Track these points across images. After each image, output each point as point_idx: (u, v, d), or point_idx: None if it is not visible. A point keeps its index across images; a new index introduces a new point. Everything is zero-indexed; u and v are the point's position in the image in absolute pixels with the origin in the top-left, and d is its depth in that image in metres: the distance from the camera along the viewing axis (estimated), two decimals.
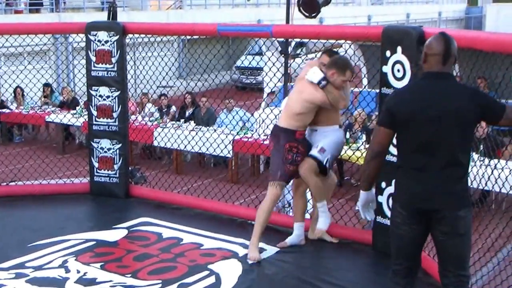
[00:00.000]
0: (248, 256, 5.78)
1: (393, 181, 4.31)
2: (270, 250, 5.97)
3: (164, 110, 13.80)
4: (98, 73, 7.42)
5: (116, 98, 7.42)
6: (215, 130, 11.33)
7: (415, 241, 4.09)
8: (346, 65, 5.77)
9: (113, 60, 7.36)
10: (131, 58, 8.33)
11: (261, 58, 10.62)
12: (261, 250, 5.90)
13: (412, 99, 3.98)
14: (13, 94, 15.12)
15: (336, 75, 5.68)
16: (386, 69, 5.61)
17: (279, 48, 8.03)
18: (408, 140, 4.00)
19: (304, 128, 5.85)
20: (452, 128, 3.88)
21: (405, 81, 5.43)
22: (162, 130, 11.20)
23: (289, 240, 6.11)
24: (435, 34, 4.05)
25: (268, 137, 6.29)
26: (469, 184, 4.36)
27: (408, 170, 4.03)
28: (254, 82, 21.14)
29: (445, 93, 3.91)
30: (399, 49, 5.47)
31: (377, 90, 5.91)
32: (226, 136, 11.00)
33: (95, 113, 7.52)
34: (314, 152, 5.81)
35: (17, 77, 8.68)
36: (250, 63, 17.69)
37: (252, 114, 12.36)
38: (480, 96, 3.99)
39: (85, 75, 7.60)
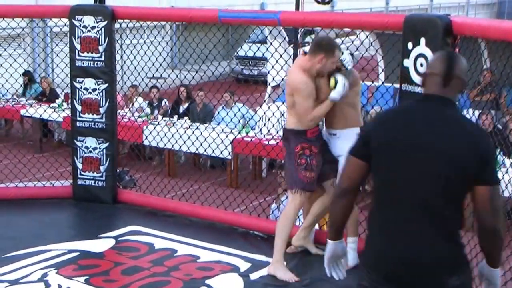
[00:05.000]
0: (282, 278, 5.72)
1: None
2: None
3: (155, 105, 13.87)
4: (83, 63, 7.47)
5: (103, 91, 7.47)
6: (214, 129, 11.38)
7: None
8: (332, 43, 5.79)
9: (101, 48, 7.41)
10: (120, 46, 8.37)
11: (267, 49, 10.67)
12: (266, 263, 5.96)
13: (395, 125, 3.53)
14: None
15: (325, 59, 5.69)
16: (408, 63, 5.66)
17: (286, 37, 8.12)
18: (382, 180, 3.55)
19: (316, 125, 5.89)
20: (439, 172, 3.38)
21: None
22: (154, 127, 11.26)
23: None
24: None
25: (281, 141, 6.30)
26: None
27: (380, 220, 3.57)
28: (256, 73, 21.19)
29: (439, 125, 3.43)
30: (422, 40, 5.52)
31: (396, 85, 5.97)
32: (227, 136, 11.07)
33: (79, 108, 7.56)
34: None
35: None
36: (254, 53, 17.67)
37: (255, 111, 12.42)
38: (485, 145, 3.44)
39: (65, 64, 7.64)
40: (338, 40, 6.33)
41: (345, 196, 3.62)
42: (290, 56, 7.51)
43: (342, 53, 5.81)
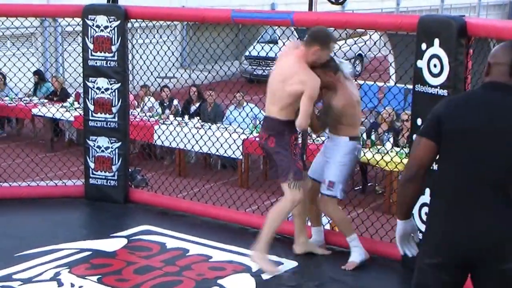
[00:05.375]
0: (264, 269, 5.83)
1: (427, 191, 4.13)
2: (288, 263, 6.05)
3: (166, 104, 13.90)
4: (96, 63, 7.50)
5: (116, 91, 7.50)
6: (226, 129, 11.40)
7: None
8: (328, 36, 5.80)
9: (113, 48, 7.44)
10: (133, 46, 8.39)
11: (279, 49, 10.63)
12: (278, 264, 5.98)
13: (467, 109, 3.65)
14: None
15: (320, 51, 5.72)
16: (421, 63, 5.66)
17: (299, 37, 8.10)
18: (452, 162, 3.65)
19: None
20: (508, 153, 3.55)
21: (442, 78, 5.48)
22: (167, 127, 11.27)
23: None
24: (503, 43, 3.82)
25: (260, 133, 6.13)
26: None
27: (447, 203, 3.67)
28: (266, 73, 21.19)
29: (508, 110, 3.59)
30: (436, 41, 5.52)
31: (409, 86, 5.97)
32: (239, 136, 11.08)
33: (91, 107, 7.59)
34: (323, 190, 5.96)
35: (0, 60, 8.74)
36: (267, 53, 17.67)
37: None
38: None
39: (77, 63, 7.66)
40: (350, 41, 6.35)
41: (416, 179, 3.70)
42: None
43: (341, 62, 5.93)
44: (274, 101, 5.85)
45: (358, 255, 6.00)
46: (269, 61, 20.93)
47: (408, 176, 3.72)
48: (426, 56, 5.60)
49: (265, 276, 5.80)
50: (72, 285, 5.61)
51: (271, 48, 8.21)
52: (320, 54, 5.73)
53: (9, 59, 8.58)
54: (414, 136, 3.77)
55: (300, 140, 6.04)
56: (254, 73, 21.71)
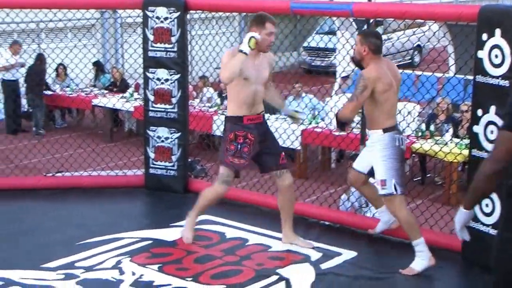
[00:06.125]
0: (181, 235, 6.32)
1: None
2: (347, 254, 6.06)
3: (224, 95, 13.95)
4: (156, 54, 7.58)
5: (176, 81, 7.57)
6: (284, 119, 11.40)
7: None
8: (263, 16, 5.94)
9: (173, 39, 7.51)
10: (192, 37, 8.46)
11: (338, 39, 10.64)
12: (337, 254, 6.00)
13: None
14: (55, 72, 15.51)
15: (258, 31, 5.81)
16: (482, 54, 5.60)
17: (357, 28, 8.08)
18: None
19: (252, 111, 5.97)
20: None
21: (503, 69, 5.42)
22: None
23: (378, 228, 6.28)
24: None
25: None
26: None
27: None
28: (323, 64, 21.15)
29: None
30: (497, 32, 5.46)
31: (469, 77, 5.93)
32: (298, 126, 11.08)
33: (151, 98, 7.68)
34: (379, 190, 5.80)
35: (61, 51, 8.89)
36: (326, 44, 17.62)
37: (325, 102, 12.41)
38: None
39: (138, 54, 7.74)
40: (409, 31, 6.32)
41: (500, 172, 3.59)
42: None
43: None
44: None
45: (421, 262, 5.72)
46: (328, 52, 20.89)
47: (496, 170, 3.59)
48: (487, 46, 5.54)
49: (324, 266, 5.82)
50: (133, 273, 5.69)
51: (329, 39, 8.21)
52: (259, 34, 5.83)
53: (71, 51, 8.73)
54: (497, 130, 3.60)
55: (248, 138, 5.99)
56: (312, 64, 21.67)
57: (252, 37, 5.74)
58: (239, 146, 5.95)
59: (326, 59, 21.30)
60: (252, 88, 5.92)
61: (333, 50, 18.24)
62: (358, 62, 5.79)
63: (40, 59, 14.57)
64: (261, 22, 5.86)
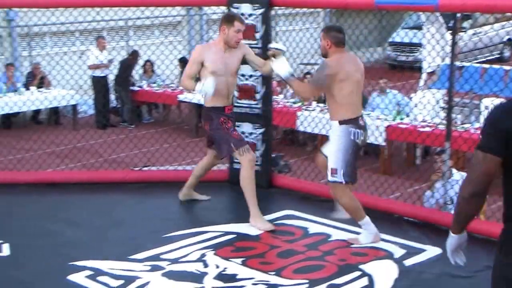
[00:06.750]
0: (258, 227, 6.50)
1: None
2: (431, 251, 6.00)
3: None
4: None
5: (260, 77, 7.61)
6: (369, 115, 11.36)
7: None
8: (231, 15, 6.72)
9: (257, 35, 7.55)
10: (276, 33, 8.50)
11: (423, 35, 10.52)
12: (421, 251, 5.97)
13: None
14: (142, 69, 15.77)
15: (227, 29, 6.49)
16: None
17: (443, 22, 7.98)
18: None
19: (229, 102, 6.75)
20: None
21: None
22: (309, 113, 11.33)
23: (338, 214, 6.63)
24: None
25: (202, 123, 7.06)
26: None
27: None
28: (408, 60, 20.91)
29: None
30: None
31: None
32: (382, 122, 11.03)
33: (236, 93, 7.73)
34: (328, 176, 6.16)
35: (148, 48, 9.05)
36: (411, 39, 17.42)
37: (410, 98, 12.30)
38: None
39: None
40: (498, 25, 6.21)
41: (484, 193, 3.50)
42: (446, 42, 7.36)
43: (277, 42, 6.53)
44: None
45: (367, 236, 6.19)
46: (413, 47, 20.63)
47: (476, 191, 3.49)
48: None
49: (407, 263, 5.79)
50: (217, 266, 5.76)
51: (415, 34, 8.13)
52: (228, 31, 6.52)
53: (157, 47, 8.88)
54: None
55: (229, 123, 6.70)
56: (397, 59, 21.45)
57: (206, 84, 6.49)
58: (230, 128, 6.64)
59: (412, 54, 21.04)
60: (223, 80, 6.61)
61: (418, 45, 18.03)
62: (325, 56, 6.11)
63: (134, 55, 14.85)
64: (230, 21, 6.53)
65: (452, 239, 3.76)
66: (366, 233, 6.19)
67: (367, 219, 6.18)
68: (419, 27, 15.61)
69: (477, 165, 3.49)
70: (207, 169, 7.25)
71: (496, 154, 3.43)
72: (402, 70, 17.49)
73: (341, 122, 6.02)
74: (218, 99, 6.64)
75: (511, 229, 3.53)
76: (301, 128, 12.04)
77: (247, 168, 6.58)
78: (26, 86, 15.05)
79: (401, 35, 20.37)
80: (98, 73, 14.80)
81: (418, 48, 19.18)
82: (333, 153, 6.09)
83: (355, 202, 6.18)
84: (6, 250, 6.19)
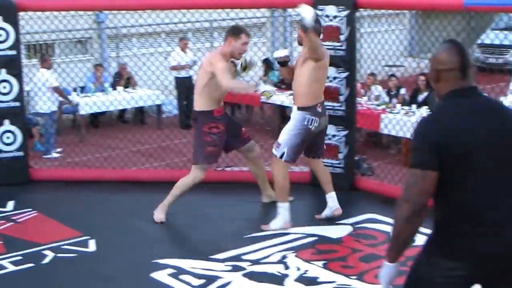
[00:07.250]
0: (154, 216, 6.86)
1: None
2: None
3: (392, 93, 13.84)
4: None
5: (344, 79, 7.60)
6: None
7: None
8: (239, 28, 6.92)
9: (342, 37, 7.54)
10: (361, 35, 8.45)
11: None
12: None
13: (456, 124, 3.38)
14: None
15: (234, 41, 6.69)
16: None
17: None
18: (471, 181, 3.37)
19: (219, 105, 6.90)
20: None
21: None
22: (394, 116, 11.23)
23: (323, 214, 6.92)
24: (442, 44, 3.59)
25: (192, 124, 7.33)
26: None
27: (466, 209, 3.40)
28: (498, 62, 20.48)
29: (488, 111, 3.45)
30: None
31: None
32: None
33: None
34: (273, 149, 6.70)
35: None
36: (501, 40, 17.01)
37: (501, 101, 12.06)
38: None
39: None
40: None
41: (422, 212, 3.40)
42: None
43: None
44: (195, 93, 6.92)
45: (278, 222, 6.60)
46: (503, 49, 20.20)
47: (417, 210, 3.39)
48: None
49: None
50: (298, 268, 5.78)
51: (505, 36, 7.97)
52: (235, 44, 6.71)
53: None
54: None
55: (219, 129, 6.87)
56: (487, 61, 21.03)
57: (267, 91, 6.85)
58: (214, 137, 6.79)
59: (502, 56, 20.60)
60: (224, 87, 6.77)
61: (509, 47, 17.67)
62: (300, 44, 6.70)
63: None
64: (237, 33, 6.75)
65: (388, 268, 3.64)
66: (280, 218, 6.60)
67: (287, 205, 6.64)
68: (510, 29, 15.33)
69: (417, 183, 3.38)
70: (258, 165, 7.50)
71: (435, 170, 3.36)
72: (492, 73, 17.16)
73: (299, 108, 6.65)
74: (207, 103, 6.84)
75: (446, 233, 3.49)
76: (385, 131, 11.93)
77: (190, 178, 6.90)
78: (113, 86, 15.31)
79: (490, 37, 19.97)
80: (182, 74, 14.95)
81: (509, 50, 18.80)
82: (285, 132, 6.65)
83: (286, 183, 6.65)
84: (92, 246, 6.35)
